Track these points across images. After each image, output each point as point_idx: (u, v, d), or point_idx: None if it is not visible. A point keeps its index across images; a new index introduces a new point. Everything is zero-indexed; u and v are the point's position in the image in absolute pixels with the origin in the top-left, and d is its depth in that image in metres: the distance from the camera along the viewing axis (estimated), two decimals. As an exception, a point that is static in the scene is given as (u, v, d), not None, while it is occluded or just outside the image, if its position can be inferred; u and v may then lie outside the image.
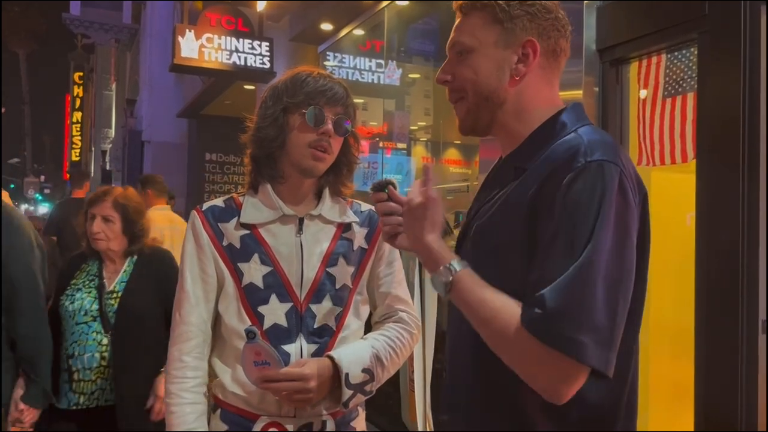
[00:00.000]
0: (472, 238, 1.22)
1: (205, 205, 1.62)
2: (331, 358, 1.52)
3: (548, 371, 1.02)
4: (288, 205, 1.59)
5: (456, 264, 1.13)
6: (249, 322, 1.51)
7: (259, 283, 1.53)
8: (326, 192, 1.64)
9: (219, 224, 1.58)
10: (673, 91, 2.68)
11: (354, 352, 1.56)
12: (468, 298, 1.11)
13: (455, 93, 1.26)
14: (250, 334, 1.46)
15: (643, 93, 2.79)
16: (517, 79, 1.19)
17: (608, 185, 1.04)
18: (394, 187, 1.32)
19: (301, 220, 1.59)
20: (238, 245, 1.56)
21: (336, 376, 1.50)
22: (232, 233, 1.57)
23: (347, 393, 1.51)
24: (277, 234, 1.57)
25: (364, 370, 1.54)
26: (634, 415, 1.17)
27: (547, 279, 1.02)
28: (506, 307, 1.06)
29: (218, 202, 1.63)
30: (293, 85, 1.56)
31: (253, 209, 1.58)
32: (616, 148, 1.11)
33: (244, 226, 1.57)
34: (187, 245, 1.59)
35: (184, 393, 1.54)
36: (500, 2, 1.19)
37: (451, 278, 1.12)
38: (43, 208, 27.01)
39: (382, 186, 1.31)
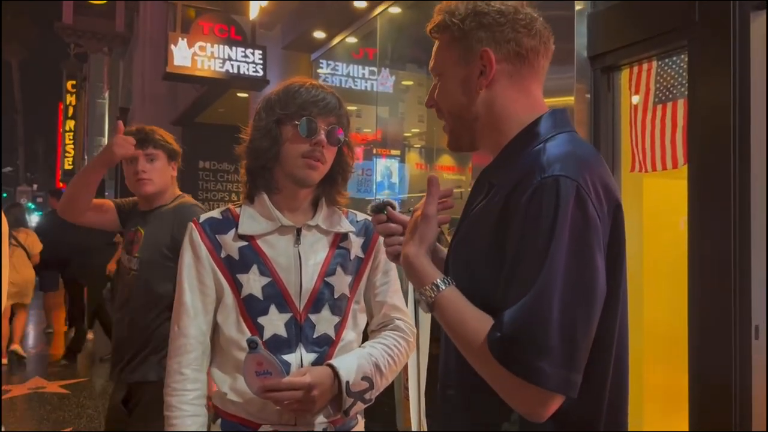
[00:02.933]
0: (453, 251, 1.23)
1: (202, 217, 1.62)
2: (331, 366, 1.52)
3: (519, 394, 1.02)
4: (285, 215, 1.59)
5: (441, 283, 1.13)
6: (249, 333, 1.51)
7: (259, 294, 1.54)
8: (322, 202, 1.64)
9: (217, 236, 1.58)
10: (663, 98, 2.70)
11: (353, 360, 1.56)
12: (449, 318, 1.11)
13: (439, 114, 1.29)
14: (251, 344, 1.45)
15: (636, 99, 2.81)
16: (480, 92, 1.19)
17: (562, 201, 1.02)
18: (393, 208, 1.33)
19: (298, 231, 1.59)
20: (236, 257, 1.56)
21: (336, 384, 1.51)
22: (231, 245, 1.57)
23: (348, 401, 1.51)
24: (276, 245, 1.57)
25: (364, 378, 1.54)
26: (620, 415, 1.16)
27: (508, 300, 1.02)
28: (480, 328, 1.05)
29: (215, 213, 1.63)
30: (285, 97, 1.57)
31: (250, 220, 1.58)
32: (580, 160, 1.09)
33: (242, 237, 1.57)
34: (185, 257, 1.59)
35: (185, 405, 1.54)
36: (456, 20, 1.19)
37: (433, 298, 1.12)
38: (36, 217, 26.89)
39: (381, 208, 1.31)
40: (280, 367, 1.46)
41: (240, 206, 1.63)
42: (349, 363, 1.54)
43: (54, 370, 7.07)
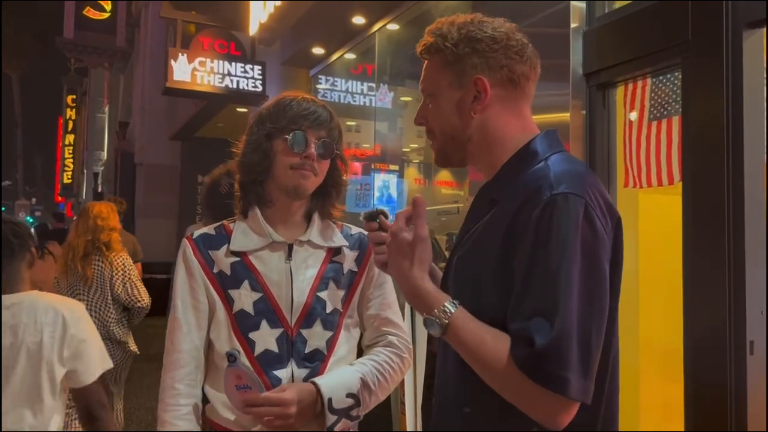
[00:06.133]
0: (454, 268, 1.25)
1: (196, 233, 1.63)
2: (314, 383, 1.52)
3: (543, 405, 1.05)
4: (278, 230, 1.60)
5: (450, 306, 1.13)
6: (241, 349, 1.52)
7: (250, 310, 1.54)
8: (315, 216, 1.65)
9: (209, 251, 1.59)
10: (658, 114, 2.72)
11: (338, 377, 1.56)
12: (463, 338, 1.12)
13: (428, 133, 1.32)
14: (230, 357, 1.46)
15: (633, 116, 2.83)
16: (475, 116, 1.22)
17: (572, 218, 1.06)
18: (385, 217, 1.33)
19: (290, 246, 1.60)
20: (228, 272, 1.57)
21: (320, 401, 1.50)
22: (222, 260, 1.57)
23: (331, 418, 1.50)
24: (267, 261, 1.58)
25: (349, 395, 1.53)
26: (613, 425, 1.20)
27: (520, 313, 1.06)
28: (499, 346, 1.08)
29: (209, 229, 1.64)
30: (276, 111, 1.59)
31: (242, 236, 1.59)
32: (583, 178, 1.14)
33: (234, 253, 1.58)
34: (178, 273, 1.60)
35: (177, 421, 1.54)
36: (449, 45, 1.22)
37: (447, 321, 1.12)
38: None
39: (374, 216, 1.32)
40: (258, 382, 1.47)
41: (234, 222, 1.64)
42: (334, 380, 1.54)
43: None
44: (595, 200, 1.11)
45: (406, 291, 1.19)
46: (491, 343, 1.09)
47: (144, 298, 3.92)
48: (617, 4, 2.90)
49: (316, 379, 1.52)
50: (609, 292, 1.11)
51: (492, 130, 1.23)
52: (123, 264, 3.89)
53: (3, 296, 1.90)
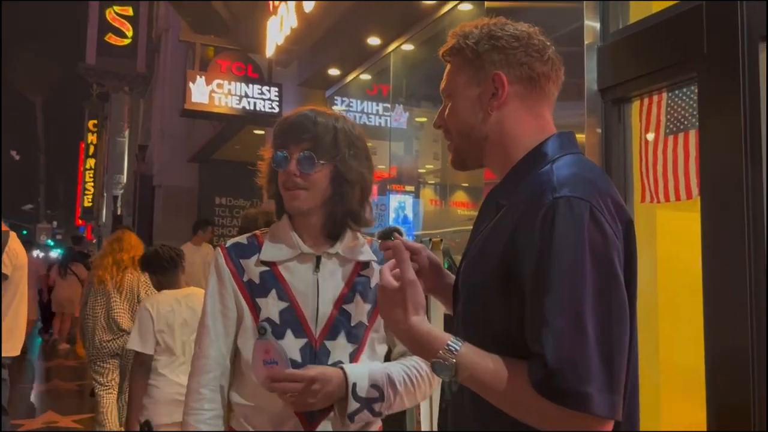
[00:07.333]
0: (462, 274, 1.22)
1: (229, 242, 1.67)
2: (341, 367, 1.52)
3: (570, 427, 0.98)
4: (306, 241, 1.61)
5: (454, 343, 1.07)
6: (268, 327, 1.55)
7: (276, 319, 1.55)
8: (346, 229, 1.65)
9: (241, 260, 1.62)
10: (675, 129, 2.70)
11: (366, 367, 1.56)
12: (477, 375, 1.06)
13: (446, 134, 1.30)
14: (261, 330, 1.48)
15: (651, 136, 2.80)
16: (492, 113, 1.20)
17: (576, 222, 1.01)
18: (400, 234, 1.33)
19: (318, 258, 1.61)
20: (257, 281, 1.59)
21: (344, 387, 1.49)
22: (253, 269, 1.60)
23: (353, 404, 1.49)
24: (295, 271, 1.60)
25: (374, 386, 1.52)
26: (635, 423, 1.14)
27: (542, 332, 0.99)
28: (514, 372, 1.03)
29: (242, 239, 1.68)
30: (274, 131, 1.64)
31: (272, 247, 1.62)
32: (589, 181, 1.09)
33: (264, 263, 1.60)
34: (210, 280, 1.64)
35: (200, 425, 1.57)
36: (469, 43, 1.21)
37: (455, 360, 1.06)
38: (54, 254, 27.15)
39: (388, 234, 1.32)
40: (286, 358, 1.48)
41: (266, 232, 1.67)
42: (361, 369, 1.54)
43: (67, 404, 7.05)
44: (602, 203, 1.05)
45: (407, 340, 1.15)
46: (505, 372, 1.03)
47: None
48: (632, 18, 2.89)
49: (344, 365, 1.53)
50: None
51: (508, 128, 1.21)
52: (145, 278, 4.60)
53: (176, 291, 3.29)
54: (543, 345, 0.98)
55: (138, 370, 3.15)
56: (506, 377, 1.03)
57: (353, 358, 1.58)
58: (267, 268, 1.60)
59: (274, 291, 1.57)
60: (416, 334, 1.12)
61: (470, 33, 1.23)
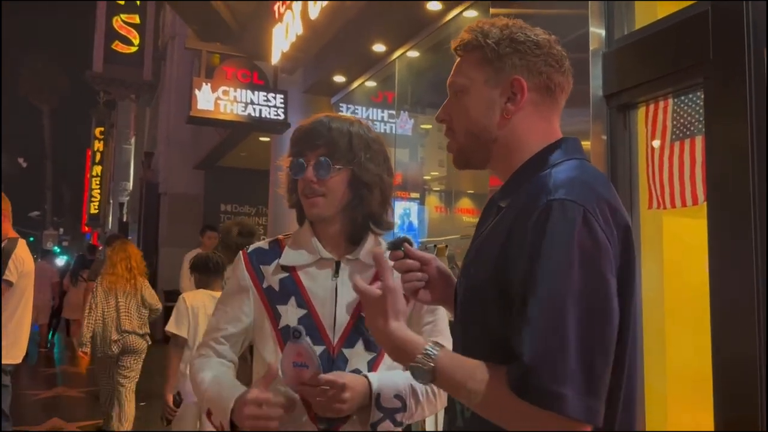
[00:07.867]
0: (461, 276, 1.22)
1: (251, 247, 1.67)
2: (366, 377, 1.51)
3: (543, 428, 0.97)
4: (327, 248, 1.61)
5: (431, 348, 1.08)
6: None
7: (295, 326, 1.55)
8: (368, 233, 1.63)
9: (261, 266, 1.62)
10: (681, 135, 2.69)
11: (390, 376, 1.54)
12: (454, 377, 1.06)
13: (448, 131, 1.27)
14: (295, 333, 1.46)
15: (656, 143, 2.79)
16: (507, 117, 1.19)
17: (567, 225, 1.01)
18: (410, 244, 1.32)
19: (337, 264, 1.60)
20: (276, 288, 1.59)
21: (368, 395, 1.48)
22: (272, 276, 1.60)
23: (377, 414, 1.48)
24: (315, 277, 1.59)
25: (397, 396, 1.51)
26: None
27: (522, 330, 0.99)
28: (493, 374, 1.02)
29: (263, 244, 1.68)
30: (292, 138, 1.63)
31: (293, 252, 1.62)
32: (587, 185, 1.08)
33: (284, 268, 1.60)
34: (229, 283, 1.66)
35: (211, 361, 1.63)
36: (490, 42, 1.19)
37: (432, 364, 1.07)
38: (60, 261, 27.24)
39: (398, 245, 1.31)
40: (318, 363, 1.45)
41: (289, 237, 1.67)
42: (385, 378, 1.52)
43: (72, 410, 7.05)
44: (597, 207, 1.04)
45: (386, 346, 1.16)
46: (484, 375, 1.02)
47: (159, 303, 5.60)
48: (637, 24, 2.89)
49: (368, 374, 1.51)
50: (618, 305, 1.02)
51: (519, 134, 1.20)
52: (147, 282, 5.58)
53: (212, 291, 3.71)
54: (522, 343, 0.97)
55: (174, 349, 3.68)
56: (485, 380, 1.02)
57: (372, 366, 1.56)
58: (287, 274, 1.59)
59: (293, 298, 1.56)
60: (395, 340, 1.13)
61: (490, 32, 1.20)
